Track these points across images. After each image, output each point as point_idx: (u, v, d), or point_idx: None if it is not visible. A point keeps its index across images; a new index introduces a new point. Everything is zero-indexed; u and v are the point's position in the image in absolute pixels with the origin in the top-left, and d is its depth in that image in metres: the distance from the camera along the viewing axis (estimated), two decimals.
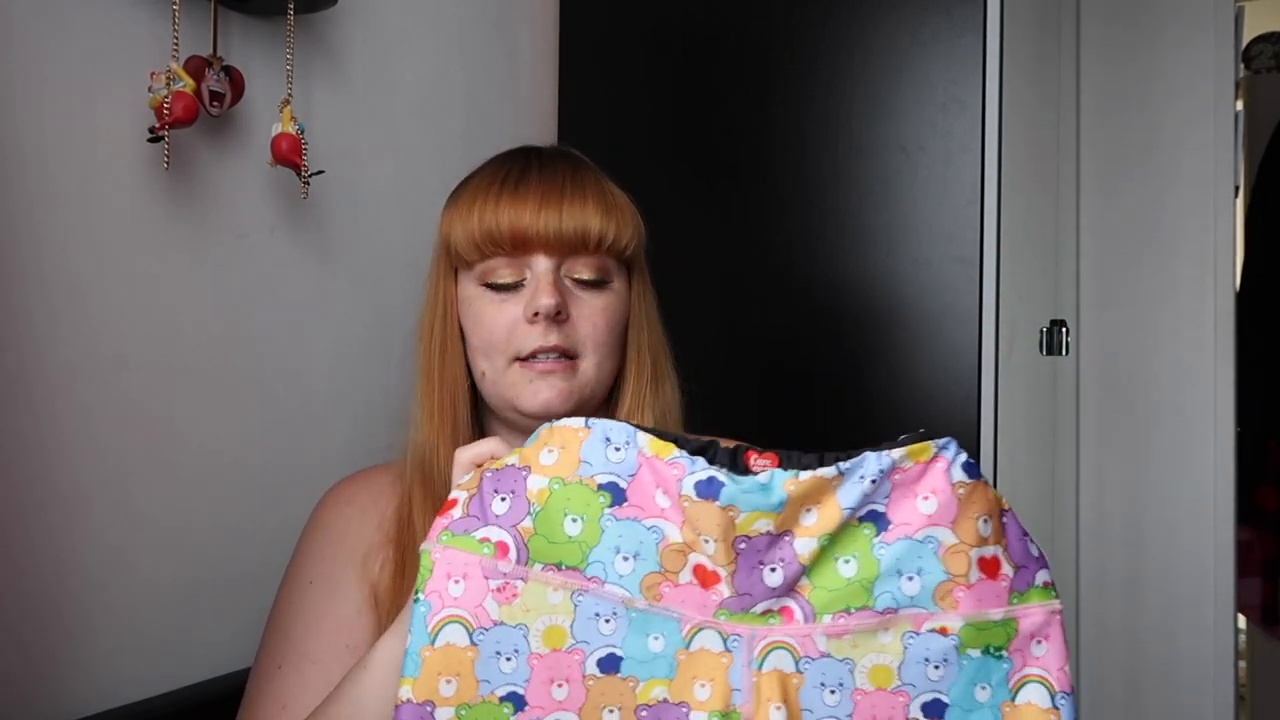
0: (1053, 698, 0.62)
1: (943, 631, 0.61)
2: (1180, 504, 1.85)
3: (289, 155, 1.02)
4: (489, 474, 0.65)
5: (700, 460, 0.62)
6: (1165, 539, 1.86)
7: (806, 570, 0.62)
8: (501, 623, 0.62)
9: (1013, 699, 0.62)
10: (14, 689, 0.86)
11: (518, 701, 0.62)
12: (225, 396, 1.05)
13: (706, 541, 0.61)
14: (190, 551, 1.02)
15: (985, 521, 0.62)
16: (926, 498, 0.62)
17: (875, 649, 0.62)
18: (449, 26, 1.36)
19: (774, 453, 0.63)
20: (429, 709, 0.61)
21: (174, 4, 0.92)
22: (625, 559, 0.62)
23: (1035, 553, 0.64)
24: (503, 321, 0.83)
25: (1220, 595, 1.83)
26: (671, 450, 0.63)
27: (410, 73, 1.29)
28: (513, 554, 0.63)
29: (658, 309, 0.92)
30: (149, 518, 0.98)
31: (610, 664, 0.62)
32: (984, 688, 0.62)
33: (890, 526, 0.62)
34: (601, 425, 0.64)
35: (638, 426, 0.64)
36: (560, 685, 0.62)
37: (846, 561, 0.62)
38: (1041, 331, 1.60)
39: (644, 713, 0.62)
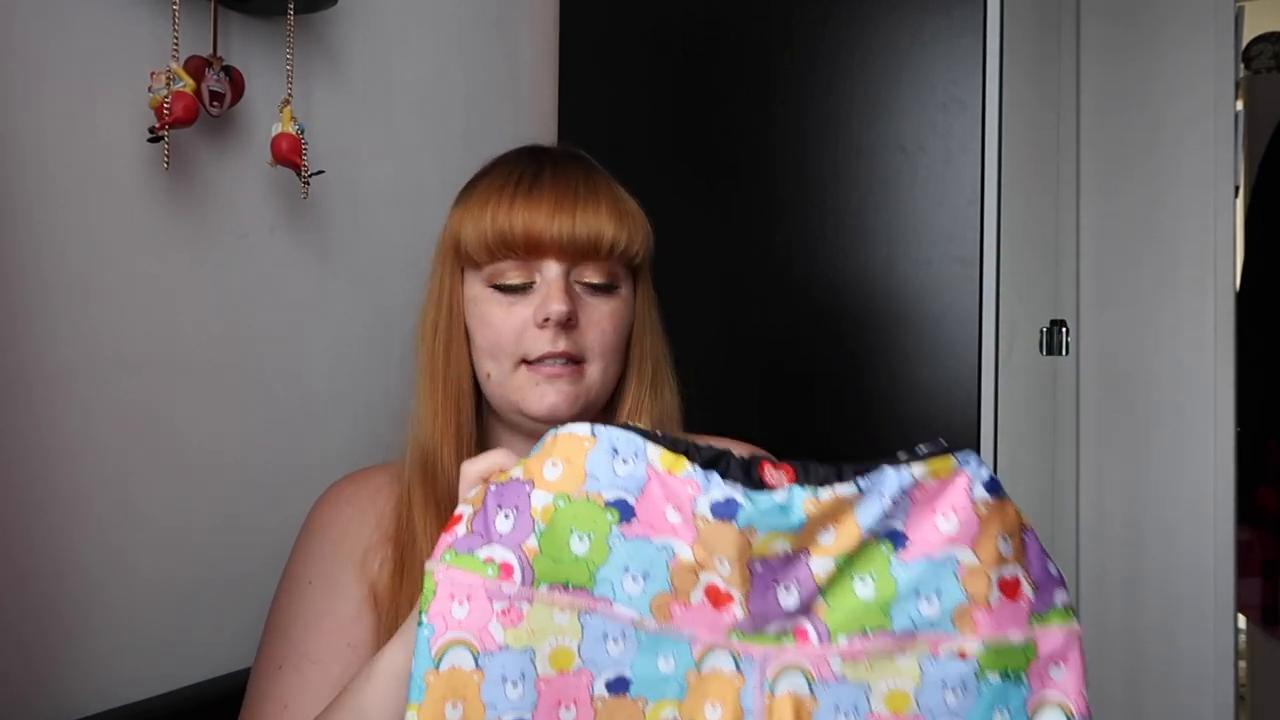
0: None
1: (961, 654, 0.60)
2: (1180, 504, 1.85)
3: (289, 155, 1.02)
4: (493, 488, 0.63)
5: (714, 476, 0.60)
6: (1165, 539, 1.86)
7: (822, 590, 0.60)
8: (507, 646, 0.60)
9: None
10: (14, 689, 0.86)
11: None
12: (225, 396, 1.05)
13: (721, 562, 0.60)
14: (190, 551, 1.02)
15: (1006, 540, 0.60)
16: (946, 515, 0.60)
17: (892, 672, 0.60)
18: (449, 26, 1.36)
19: (789, 465, 0.61)
20: None
21: (174, 4, 0.92)
22: (634, 579, 0.61)
23: (1055, 572, 0.62)
24: (511, 324, 0.83)
25: (1220, 595, 1.83)
26: (683, 465, 0.61)
27: (410, 73, 1.29)
28: (517, 575, 0.61)
29: (659, 313, 0.92)
30: (149, 517, 0.98)
31: (619, 685, 0.61)
32: (1002, 712, 0.60)
33: (908, 544, 0.60)
34: (608, 435, 0.62)
35: (646, 435, 0.62)
36: (568, 708, 0.60)
37: (863, 580, 0.60)
38: (1041, 331, 1.60)
39: None
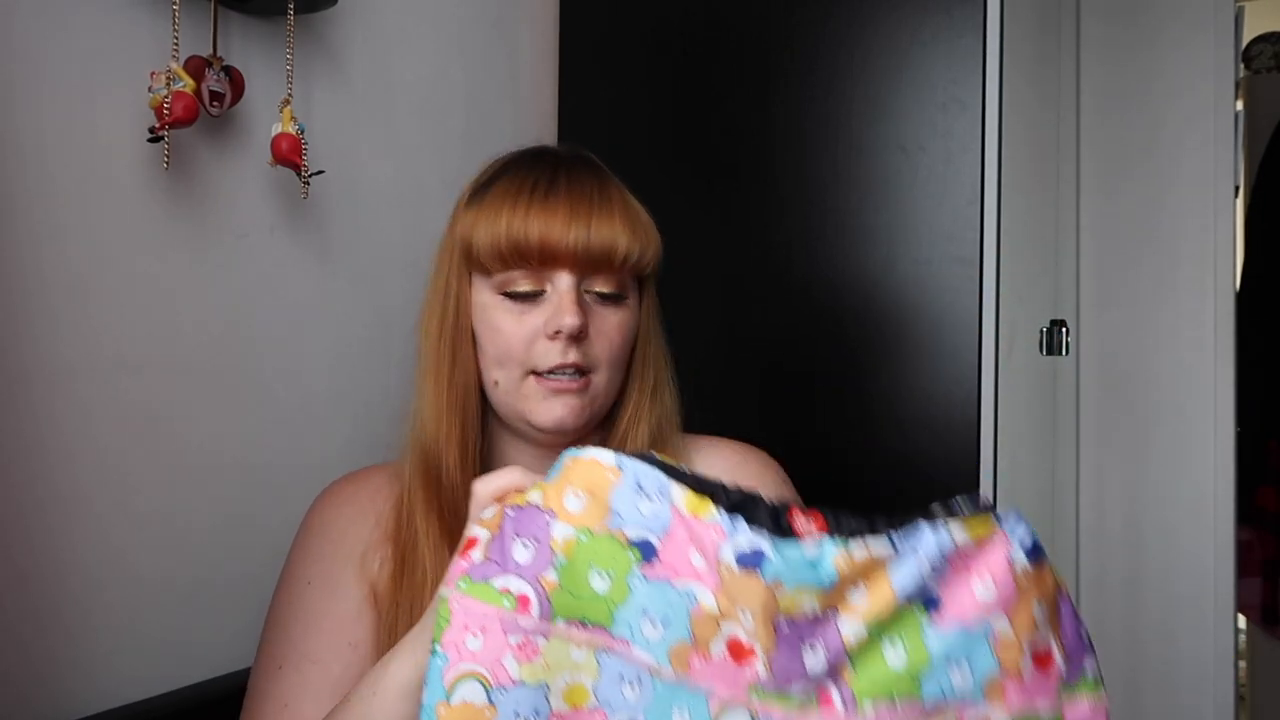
0: None
1: None
2: (1180, 504, 1.85)
3: (289, 155, 1.02)
4: (511, 513, 0.61)
5: (740, 522, 0.58)
6: (1165, 539, 1.86)
7: (850, 653, 0.57)
8: (522, 682, 0.58)
9: None
10: (14, 689, 0.86)
11: None
12: (225, 396, 1.05)
13: (744, 613, 0.57)
14: (190, 551, 1.02)
15: (1041, 607, 0.58)
16: (984, 580, 0.57)
17: None
18: (449, 26, 1.36)
19: (820, 513, 0.58)
20: None
21: (174, 4, 0.92)
22: (653, 624, 0.58)
23: (1085, 639, 0.60)
24: (522, 334, 0.82)
25: (1220, 595, 1.82)
26: (709, 509, 0.58)
27: (410, 73, 1.29)
28: (534, 608, 0.59)
29: (661, 318, 0.92)
30: (149, 517, 0.98)
31: None
32: None
33: (943, 609, 0.57)
34: (633, 470, 0.60)
35: (670, 472, 0.60)
36: None
37: (893, 645, 0.57)
38: (1041, 331, 1.60)
39: None
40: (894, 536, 0.57)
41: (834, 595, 0.57)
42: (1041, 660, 0.58)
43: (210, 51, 0.99)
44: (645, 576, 0.58)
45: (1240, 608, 2.10)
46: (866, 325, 1.31)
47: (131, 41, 0.94)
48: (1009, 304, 1.30)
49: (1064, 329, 1.64)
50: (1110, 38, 1.91)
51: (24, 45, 0.87)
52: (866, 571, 0.57)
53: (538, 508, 0.60)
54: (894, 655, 0.57)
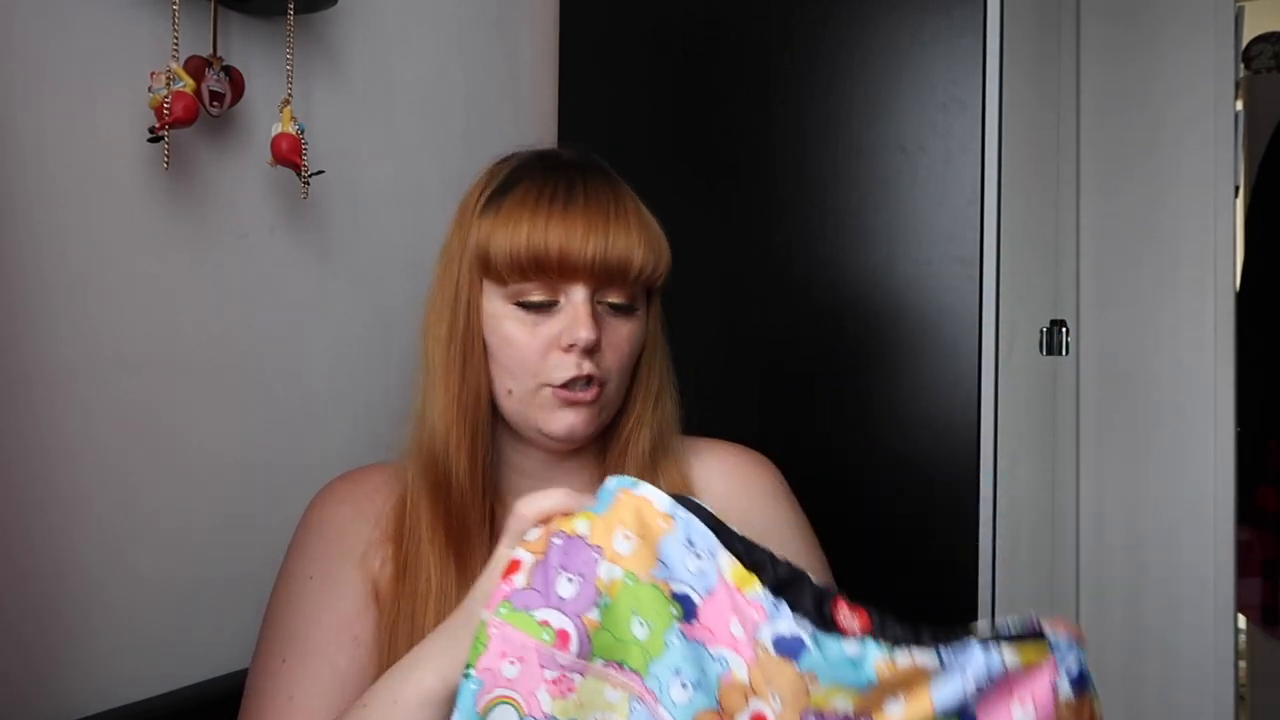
0: None
1: None
2: (1180, 504, 1.85)
3: (289, 155, 1.02)
4: (558, 542, 0.60)
5: (784, 607, 0.57)
6: (1165, 539, 1.86)
7: None
8: (553, 717, 0.58)
9: None
10: (14, 689, 0.86)
11: None
12: (225, 396, 1.05)
13: (774, 696, 0.56)
14: (190, 550, 1.02)
15: None
16: (1024, 703, 0.55)
17: None
18: (449, 26, 1.36)
19: (865, 611, 0.57)
20: None
21: (174, 4, 0.92)
22: (683, 685, 0.57)
23: None
24: (536, 346, 0.82)
25: (1220, 595, 1.82)
26: (753, 585, 0.57)
27: (410, 73, 1.29)
28: (574, 645, 0.58)
29: (664, 324, 0.92)
30: (149, 517, 0.98)
31: None
32: None
33: None
34: (685, 523, 0.59)
35: (721, 534, 0.59)
36: None
37: None
38: (1041, 331, 1.60)
39: None
40: (942, 651, 0.55)
41: (870, 699, 0.55)
42: None
43: (210, 51, 0.99)
44: (684, 634, 0.57)
45: (1240, 608, 2.10)
46: (866, 325, 1.31)
47: (131, 41, 0.94)
48: (1009, 304, 1.30)
49: (1064, 329, 1.64)
50: (1110, 38, 1.91)
51: (24, 45, 0.87)
52: (908, 681, 0.55)
53: (585, 541, 0.60)
54: None
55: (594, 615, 0.58)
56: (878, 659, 0.55)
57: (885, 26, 1.30)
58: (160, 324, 0.99)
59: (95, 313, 0.93)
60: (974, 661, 0.55)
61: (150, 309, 0.98)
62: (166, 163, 0.92)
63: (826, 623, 0.56)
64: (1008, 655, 0.55)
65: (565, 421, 0.83)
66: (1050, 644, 0.55)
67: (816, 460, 1.31)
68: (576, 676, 0.58)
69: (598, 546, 0.59)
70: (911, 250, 1.28)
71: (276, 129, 1.02)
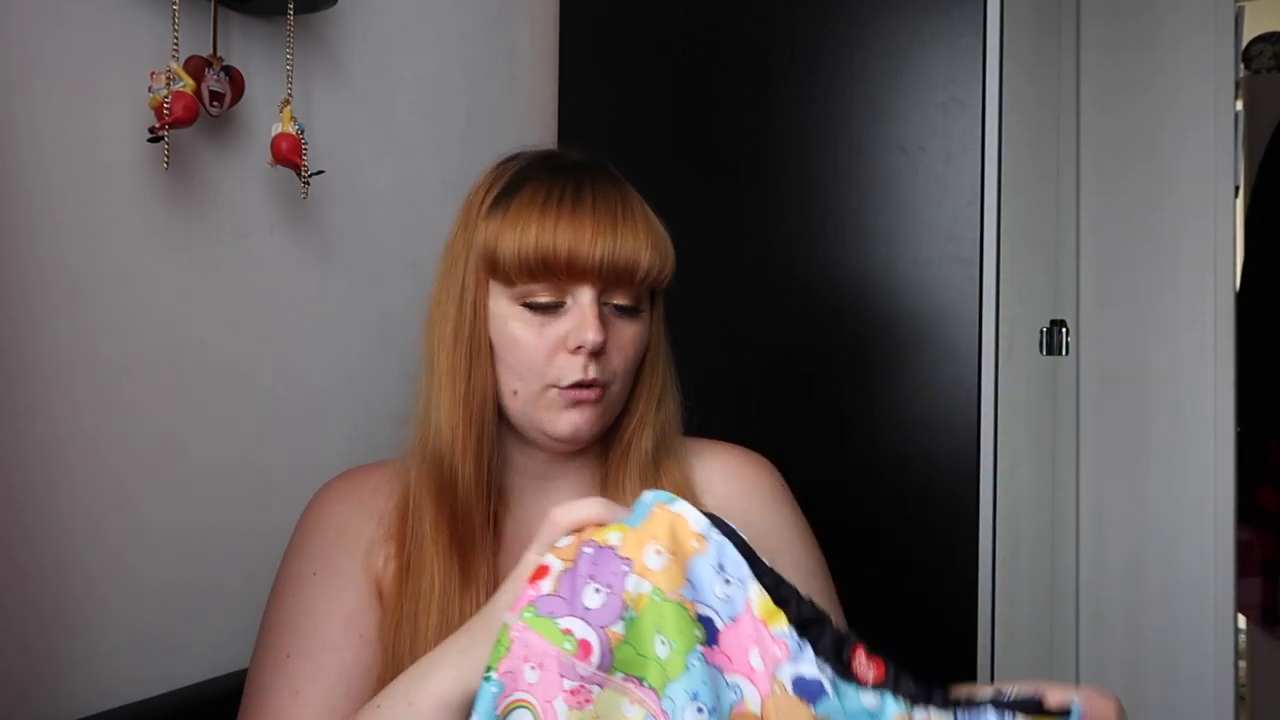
0: None
1: None
2: (1180, 504, 1.85)
3: (289, 155, 1.02)
4: (588, 550, 0.60)
5: (808, 649, 0.57)
6: (1165, 539, 1.86)
7: None
8: None
9: None
10: (14, 689, 0.86)
11: None
12: (225, 396, 1.05)
13: None
14: (189, 551, 1.02)
15: None
16: None
17: None
18: (449, 26, 1.36)
19: (882, 661, 0.57)
20: None
21: (174, 4, 0.92)
22: (699, 710, 0.57)
23: None
24: (543, 347, 0.82)
25: (1220, 595, 1.82)
26: (780, 622, 0.57)
27: (410, 73, 1.29)
28: (595, 657, 0.58)
29: (666, 325, 0.92)
30: (148, 516, 0.98)
31: None
32: None
33: None
34: (717, 547, 0.59)
35: (753, 564, 0.59)
36: None
37: None
38: (1041, 331, 1.60)
39: None
40: (960, 715, 0.56)
41: None
42: None
43: (210, 51, 0.99)
44: (705, 658, 0.57)
45: (1240, 608, 2.10)
46: (866, 325, 1.31)
47: (131, 41, 0.94)
48: (1009, 304, 1.30)
49: (1064, 329, 1.64)
50: (1110, 38, 1.91)
51: (23, 45, 0.87)
52: None
53: (616, 552, 0.59)
54: None
55: (618, 628, 0.58)
56: (896, 714, 0.55)
57: (885, 26, 1.30)
58: (160, 324, 0.99)
59: (94, 313, 0.93)
60: None
61: (150, 309, 0.98)
62: (166, 163, 0.92)
63: (844, 665, 0.56)
64: None
65: (570, 423, 0.83)
66: (1065, 715, 0.56)
67: (816, 460, 1.31)
68: (595, 688, 0.57)
69: (628, 559, 0.59)
70: (911, 250, 1.28)
71: (276, 129, 1.02)
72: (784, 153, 1.36)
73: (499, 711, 0.58)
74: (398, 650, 0.80)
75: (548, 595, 0.59)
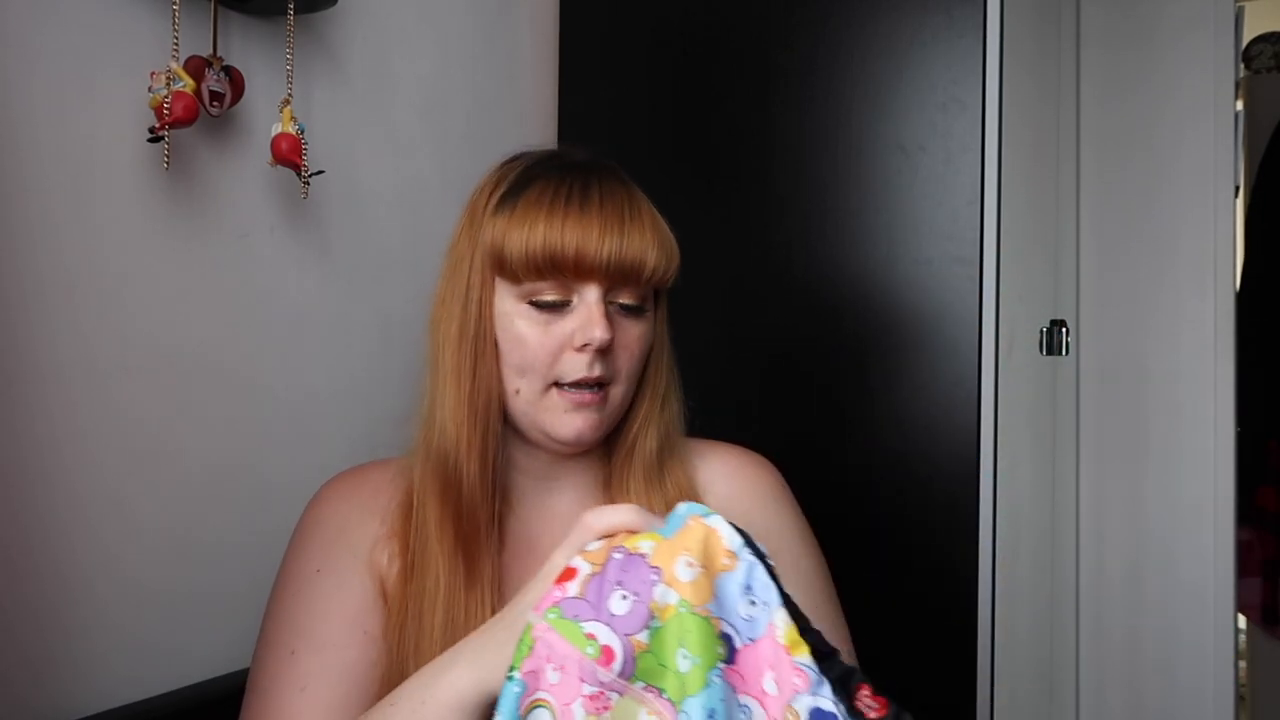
0: None
1: None
2: (1180, 504, 1.85)
3: (289, 155, 1.02)
4: (618, 557, 0.60)
5: (826, 686, 0.57)
6: (1165, 539, 1.86)
7: None
8: None
9: None
10: (13, 689, 0.86)
11: None
12: (225, 396, 1.05)
13: None
14: (189, 551, 1.02)
15: None
16: None
17: None
18: (449, 26, 1.36)
19: (887, 701, 0.58)
20: None
21: (174, 4, 0.92)
22: None
23: None
24: (549, 345, 0.82)
25: (1220, 595, 1.82)
26: (803, 653, 0.58)
27: (410, 73, 1.29)
28: (617, 664, 0.57)
29: (669, 326, 0.92)
30: (147, 516, 0.98)
31: None
32: None
33: None
34: (749, 566, 0.59)
35: (782, 592, 0.59)
36: None
37: None
38: (1041, 331, 1.60)
39: None
40: None
41: None
42: None
43: (210, 51, 0.99)
44: (724, 676, 0.57)
45: (1240, 608, 2.10)
46: (866, 325, 1.31)
47: (131, 41, 0.94)
48: (1009, 304, 1.30)
49: (1064, 329, 1.64)
50: (1110, 39, 1.91)
51: (23, 45, 0.87)
52: None
53: (646, 560, 0.59)
54: None
55: (643, 638, 0.58)
56: None
57: (885, 26, 1.30)
58: (159, 324, 0.99)
59: (94, 313, 0.93)
60: None
61: (150, 309, 0.98)
62: (166, 163, 0.92)
63: (849, 697, 0.57)
64: None
65: (573, 426, 0.82)
66: None
67: (816, 460, 1.31)
68: (615, 696, 0.57)
69: (658, 568, 0.58)
70: (911, 250, 1.28)
71: (276, 129, 1.02)
72: (784, 153, 1.36)
73: (521, 710, 0.58)
74: (402, 648, 0.80)
75: (573, 598, 0.59)
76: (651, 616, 0.58)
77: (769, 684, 0.57)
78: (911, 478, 1.27)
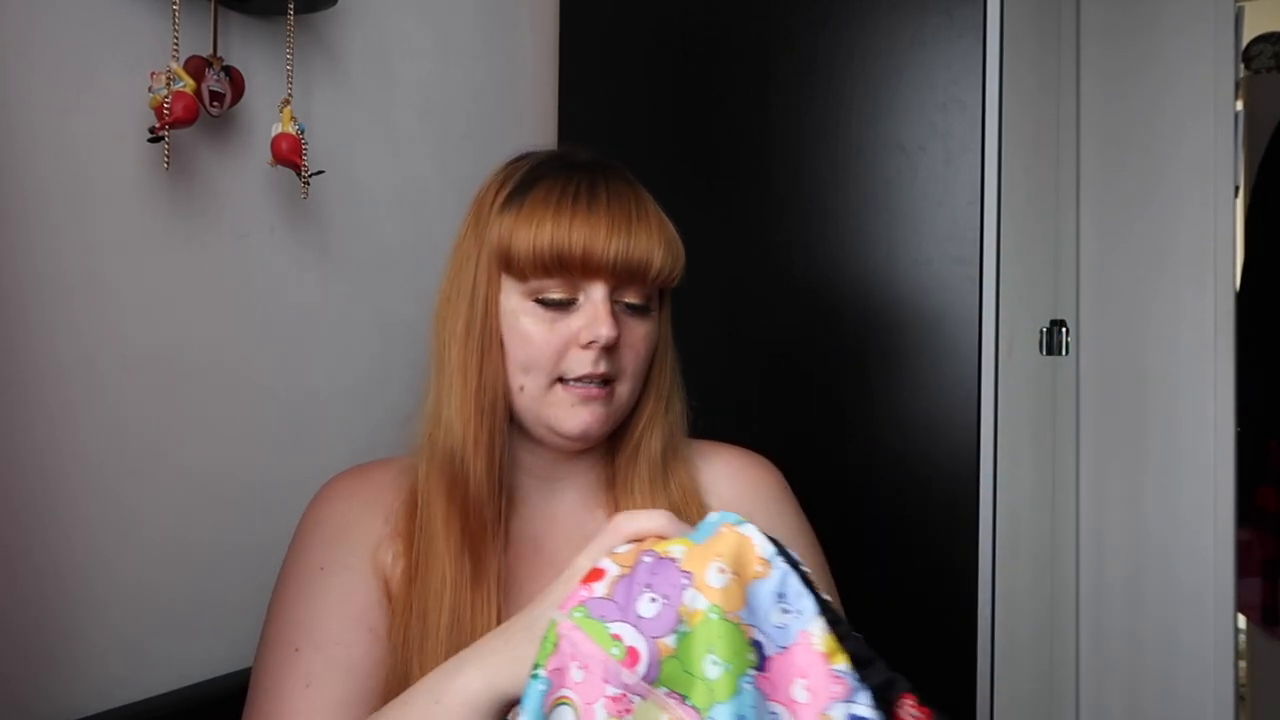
0: None
1: None
2: (1180, 504, 1.85)
3: (289, 155, 1.02)
4: (648, 558, 0.59)
5: (864, 695, 0.56)
6: (1165, 539, 1.86)
7: None
8: None
9: None
10: (13, 689, 0.86)
11: None
12: (224, 396, 1.05)
13: None
14: (189, 552, 1.02)
15: None
16: None
17: None
18: (449, 26, 1.36)
19: (931, 711, 0.57)
20: None
21: (174, 4, 0.92)
22: None
23: None
24: (554, 343, 0.82)
25: (1220, 595, 1.82)
26: (842, 659, 0.57)
27: (410, 73, 1.29)
28: (641, 666, 0.57)
29: (672, 326, 0.92)
30: (147, 518, 0.98)
31: None
32: None
33: None
34: (782, 574, 0.58)
35: (817, 599, 0.58)
36: None
37: None
38: (1041, 331, 1.60)
39: None
40: None
41: None
42: None
43: (210, 51, 0.99)
44: (755, 683, 0.57)
45: (1240, 608, 2.10)
46: (867, 325, 1.31)
47: (131, 41, 0.94)
48: (1009, 304, 1.30)
49: (1064, 329, 1.64)
50: (1110, 40, 1.91)
51: (23, 45, 0.87)
52: None
53: (677, 565, 0.58)
54: None
55: (670, 642, 0.57)
56: None
57: (885, 26, 1.30)
58: (159, 324, 0.99)
59: (93, 313, 0.93)
60: None
61: (149, 309, 0.98)
62: (166, 163, 0.92)
63: (889, 703, 0.56)
64: None
65: (580, 420, 0.83)
66: None
67: (816, 460, 1.31)
68: (637, 699, 0.57)
69: (689, 573, 0.58)
70: (911, 250, 1.28)
71: (276, 129, 1.02)
72: (784, 153, 1.36)
73: (546, 708, 0.57)
74: (407, 648, 0.80)
75: (600, 598, 0.59)
76: (679, 621, 0.57)
77: (799, 692, 0.56)
78: (911, 478, 1.27)
